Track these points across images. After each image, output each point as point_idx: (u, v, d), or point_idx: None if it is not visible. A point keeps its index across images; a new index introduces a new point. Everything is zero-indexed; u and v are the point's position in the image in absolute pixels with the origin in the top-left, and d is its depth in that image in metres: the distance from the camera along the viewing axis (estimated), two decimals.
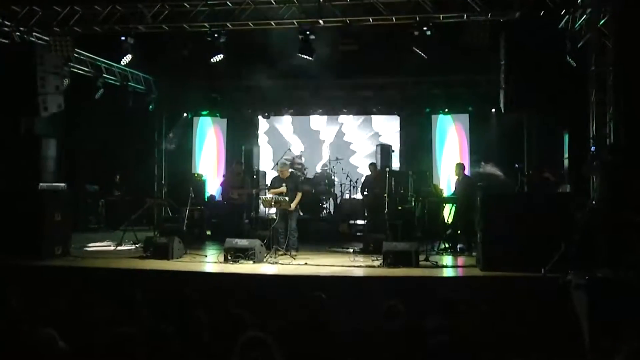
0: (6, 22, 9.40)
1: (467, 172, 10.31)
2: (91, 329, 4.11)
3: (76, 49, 10.19)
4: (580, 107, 8.26)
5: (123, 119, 13.13)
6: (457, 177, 10.02)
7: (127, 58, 9.93)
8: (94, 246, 10.26)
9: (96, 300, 5.53)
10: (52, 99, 8.95)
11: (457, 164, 10.15)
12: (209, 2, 8.96)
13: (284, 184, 9.36)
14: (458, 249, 9.62)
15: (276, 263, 8.32)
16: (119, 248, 9.94)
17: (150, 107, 13.51)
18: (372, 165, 10.78)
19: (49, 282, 7.31)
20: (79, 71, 11.15)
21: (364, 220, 11.48)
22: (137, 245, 9.96)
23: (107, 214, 13.36)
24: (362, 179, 11.07)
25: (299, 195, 9.40)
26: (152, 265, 8.08)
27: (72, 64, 10.62)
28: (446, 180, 13.13)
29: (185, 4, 9.10)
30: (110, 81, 12.09)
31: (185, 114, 14.58)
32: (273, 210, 9.69)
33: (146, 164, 14.10)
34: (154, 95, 13.70)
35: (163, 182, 13.10)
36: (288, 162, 10.53)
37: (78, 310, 4.55)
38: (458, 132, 13.72)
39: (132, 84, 12.84)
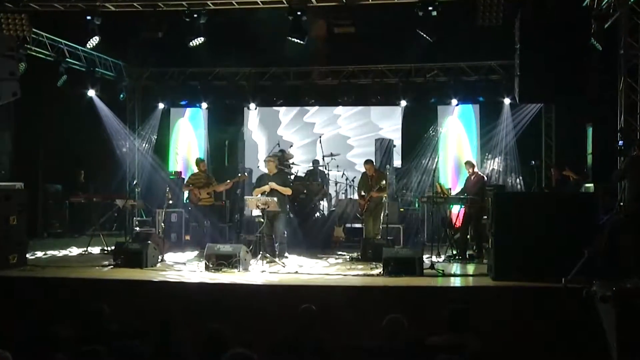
0: None
1: (477, 169, 10.26)
2: (52, 349, 4.04)
3: (34, 29, 10.05)
4: (606, 96, 8.26)
5: (89, 109, 13.01)
6: (468, 175, 9.98)
7: (94, 40, 9.82)
8: (56, 254, 10.13)
9: (58, 315, 5.46)
10: (6, 86, 8.80)
11: (466, 162, 10.11)
12: None
13: (269, 182, 9.30)
14: (467, 256, 9.59)
15: (263, 272, 8.26)
16: (85, 255, 9.85)
17: (121, 96, 13.41)
18: (368, 163, 10.65)
19: (2, 295, 7.22)
20: (37, 54, 11.01)
21: (362, 223, 11.43)
22: (106, 253, 9.86)
23: (72, 217, 13.24)
24: (358, 178, 10.97)
25: (288, 190, 9.34)
26: (123, 274, 7.99)
27: (29, 46, 10.48)
28: (454, 179, 13.12)
29: None
30: (74, 66, 11.97)
31: (160, 104, 14.48)
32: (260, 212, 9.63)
33: (116, 160, 14.00)
34: (125, 82, 13.60)
35: (135, 181, 13.00)
36: (276, 157, 10.43)
37: (37, 328, 4.47)
38: (467, 125, 13.70)
39: (100, 70, 12.74)
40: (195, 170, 11.24)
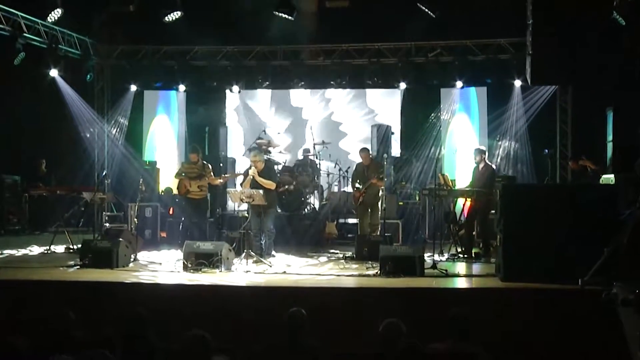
0: None
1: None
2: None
3: None
4: (628, 77, 8.24)
5: (52, 91, 12.90)
6: (475, 165, 9.96)
7: (56, 13, 9.72)
8: (14, 253, 10.08)
9: (17, 322, 5.42)
10: None
11: (476, 149, 10.09)
12: None
13: (252, 173, 9.30)
14: (473, 255, 9.62)
15: (248, 272, 8.27)
16: (48, 254, 9.78)
17: (88, 77, 13.32)
18: (363, 151, 10.69)
19: None
20: None
21: (357, 218, 11.46)
22: (71, 251, 9.82)
23: (32, 212, 13.16)
24: (353, 168, 11.01)
25: (272, 183, 9.34)
26: (91, 276, 7.94)
27: None
28: (460, 169, 13.13)
29: None
30: (33, 43, 11.83)
31: (133, 87, 14.39)
32: (244, 206, 9.61)
33: (83, 148, 13.91)
34: (92, 62, 13.49)
35: (105, 171, 12.92)
36: (263, 148, 10.42)
37: None
38: (473, 109, 13.73)
39: (64, 47, 12.60)
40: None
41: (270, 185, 9.36)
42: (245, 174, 9.66)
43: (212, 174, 10.59)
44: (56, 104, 13.16)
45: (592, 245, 6.79)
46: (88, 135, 14.03)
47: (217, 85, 14.45)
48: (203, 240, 8.87)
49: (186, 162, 11.08)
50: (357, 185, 10.43)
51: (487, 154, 10.02)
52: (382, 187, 10.11)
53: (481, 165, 9.78)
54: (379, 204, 9.99)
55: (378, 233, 9.92)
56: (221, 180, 10.88)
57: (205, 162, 10.72)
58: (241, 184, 9.90)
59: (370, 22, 12.69)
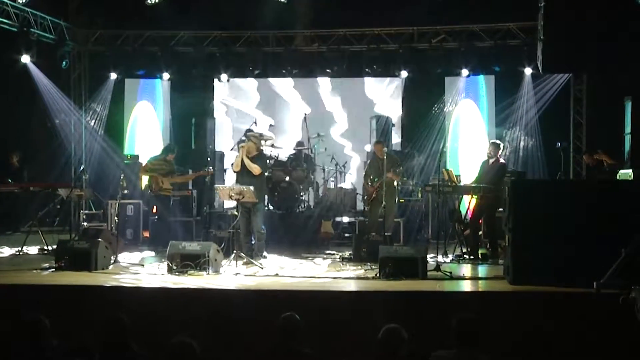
0: None
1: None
2: None
3: None
4: None
5: (24, 79, 12.86)
6: (485, 159, 9.95)
7: None
8: None
9: None
10: None
11: (492, 143, 10.06)
12: None
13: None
14: (480, 256, 9.63)
15: (237, 274, 8.29)
16: (20, 256, 9.79)
17: (64, 63, 13.27)
18: (378, 144, 10.71)
19: None
20: None
21: (359, 217, 11.49)
22: (46, 253, 9.82)
23: (3, 211, 13.10)
24: (350, 162, 11.04)
25: (257, 168, 9.35)
26: (68, 279, 7.95)
27: None
28: (465, 164, 13.16)
29: None
30: (3, 26, 11.80)
31: (113, 74, 14.36)
32: (233, 204, 9.62)
33: (58, 141, 13.87)
34: (67, 47, 13.43)
35: (83, 166, 12.90)
36: (259, 137, 10.42)
37: None
38: (480, 99, 13.73)
39: (36, 31, 12.56)
40: (156, 154, 11.19)
41: (255, 170, 9.36)
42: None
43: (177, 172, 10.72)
44: (29, 93, 13.12)
45: (608, 245, 6.80)
46: (64, 127, 13.98)
47: (204, 73, 14.44)
48: (185, 240, 8.87)
49: (154, 158, 11.06)
50: (370, 180, 10.47)
51: (501, 147, 10.02)
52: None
53: (492, 160, 9.77)
54: (395, 199, 10.01)
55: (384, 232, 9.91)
56: (188, 179, 10.93)
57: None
58: (232, 165, 9.91)
59: (370, 5, 12.67)
